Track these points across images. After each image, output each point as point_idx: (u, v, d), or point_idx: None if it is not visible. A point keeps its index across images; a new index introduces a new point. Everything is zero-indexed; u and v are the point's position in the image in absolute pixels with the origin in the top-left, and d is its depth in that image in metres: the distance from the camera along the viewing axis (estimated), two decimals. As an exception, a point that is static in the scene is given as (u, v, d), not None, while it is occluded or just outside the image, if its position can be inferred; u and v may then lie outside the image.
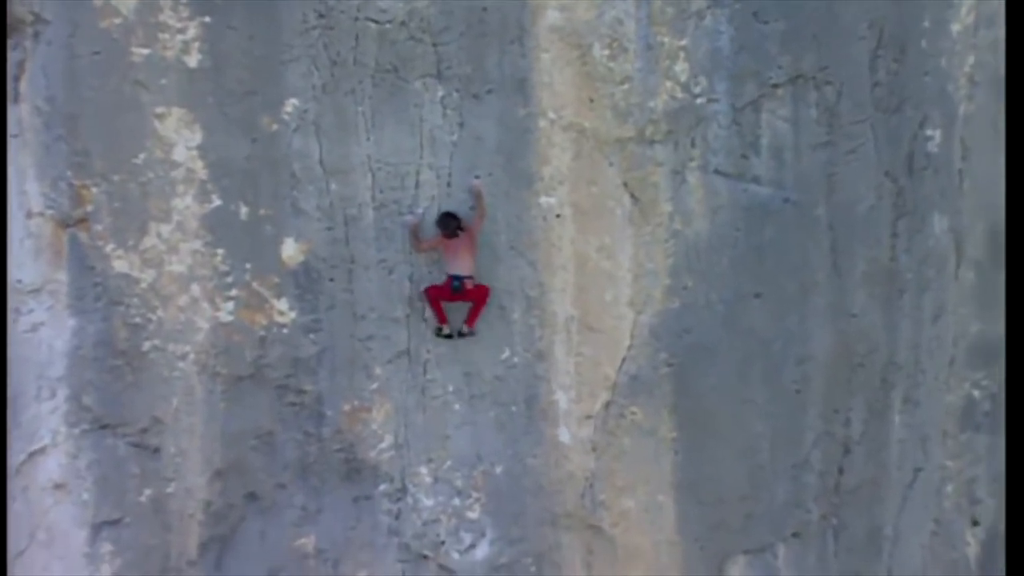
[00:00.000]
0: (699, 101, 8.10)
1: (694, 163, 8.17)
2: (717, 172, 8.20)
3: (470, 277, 7.95)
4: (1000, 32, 8.56)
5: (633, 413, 8.33)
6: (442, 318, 8.08)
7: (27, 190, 7.71)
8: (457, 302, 8.06)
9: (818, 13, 8.12)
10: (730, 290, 8.31)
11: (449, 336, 8.13)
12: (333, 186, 7.94)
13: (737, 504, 8.47)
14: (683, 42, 8.02)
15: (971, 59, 8.63)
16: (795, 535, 8.57)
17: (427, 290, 8.06)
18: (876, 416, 8.66)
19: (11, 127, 7.65)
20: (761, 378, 8.41)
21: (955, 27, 8.47)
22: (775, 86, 8.16)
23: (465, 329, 8.12)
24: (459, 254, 7.93)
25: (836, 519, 8.66)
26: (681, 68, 8.05)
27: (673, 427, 8.36)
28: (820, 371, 8.49)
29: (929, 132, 8.50)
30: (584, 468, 8.34)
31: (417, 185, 8.01)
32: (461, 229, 7.91)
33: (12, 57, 7.55)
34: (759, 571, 8.55)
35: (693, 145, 8.14)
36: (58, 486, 7.89)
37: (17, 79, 7.56)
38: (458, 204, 8.00)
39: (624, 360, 8.29)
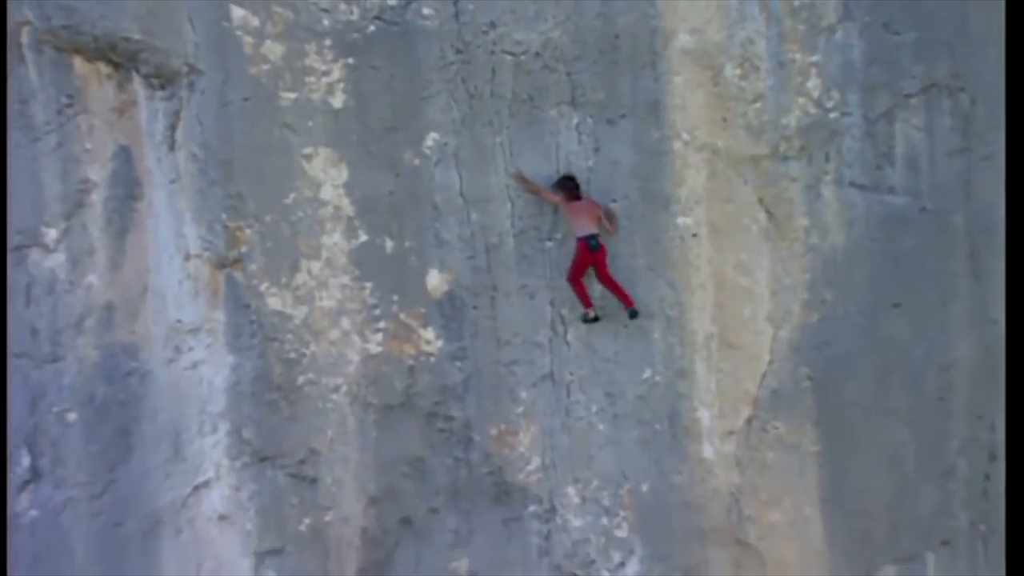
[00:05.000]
0: (832, 115, 8.16)
1: (828, 177, 8.23)
2: (852, 184, 8.25)
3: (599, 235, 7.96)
4: None
5: (776, 427, 8.38)
6: (587, 301, 8.07)
7: (185, 233, 7.99)
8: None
9: (949, 21, 8.15)
10: (869, 301, 8.34)
11: (596, 319, 8.11)
12: (474, 216, 8.12)
13: (884, 514, 8.47)
14: (814, 58, 8.09)
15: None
16: (944, 543, 8.55)
17: (571, 275, 8.02)
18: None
19: (168, 173, 7.94)
20: (903, 387, 8.42)
21: (1087, 27, 8.42)
22: (908, 96, 8.20)
23: (633, 310, 8.06)
24: (584, 215, 7.93)
25: (985, 526, 8.63)
26: (813, 84, 8.11)
27: (816, 440, 8.40)
28: (963, 378, 8.48)
29: (1065, 134, 8.46)
30: (729, 483, 8.41)
31: (555, 211, 8.16)
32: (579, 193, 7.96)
33: (168, 107, 7.84)
34: (909, 580, 8.57)
35: (827, 159, 8.20)
36: (222, 517, 8.14)
37: (174, 128, 7.85)
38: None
39: (765, 375, 8.36)
